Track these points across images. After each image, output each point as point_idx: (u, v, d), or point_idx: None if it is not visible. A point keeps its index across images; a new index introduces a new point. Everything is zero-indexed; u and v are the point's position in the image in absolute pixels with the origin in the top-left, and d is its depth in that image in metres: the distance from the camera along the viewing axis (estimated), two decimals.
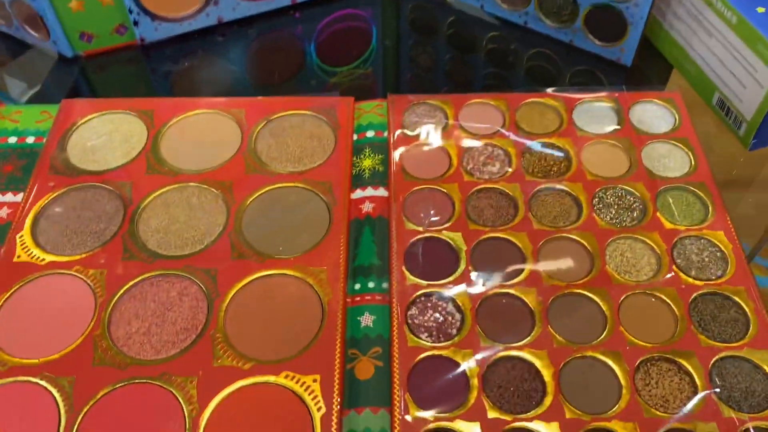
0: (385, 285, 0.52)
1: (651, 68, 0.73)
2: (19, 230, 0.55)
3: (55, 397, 0.46)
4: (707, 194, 0.57)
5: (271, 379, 0.46)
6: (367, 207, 0.57)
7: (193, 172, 0.59)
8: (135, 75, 0.75)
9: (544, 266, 0.52)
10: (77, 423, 0.45)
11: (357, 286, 0.52)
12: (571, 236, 0.54)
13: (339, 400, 0.45)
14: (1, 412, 0.45)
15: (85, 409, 0.45)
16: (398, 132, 0.61)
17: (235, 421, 0.45)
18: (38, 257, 0.53)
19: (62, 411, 0.45)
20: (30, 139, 0.63)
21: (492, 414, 0.45)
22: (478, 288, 0.51)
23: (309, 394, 0.46)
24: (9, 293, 0.51)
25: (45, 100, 0.68)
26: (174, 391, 0.46)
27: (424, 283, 0.51)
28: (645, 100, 0.65)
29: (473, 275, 0.51)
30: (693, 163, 0.60)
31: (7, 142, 0.63)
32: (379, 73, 0.74)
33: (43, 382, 0.46)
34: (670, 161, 0.60)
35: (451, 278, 0.51)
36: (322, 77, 0.73)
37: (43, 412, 0.45)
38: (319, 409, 0.45)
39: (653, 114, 0.64)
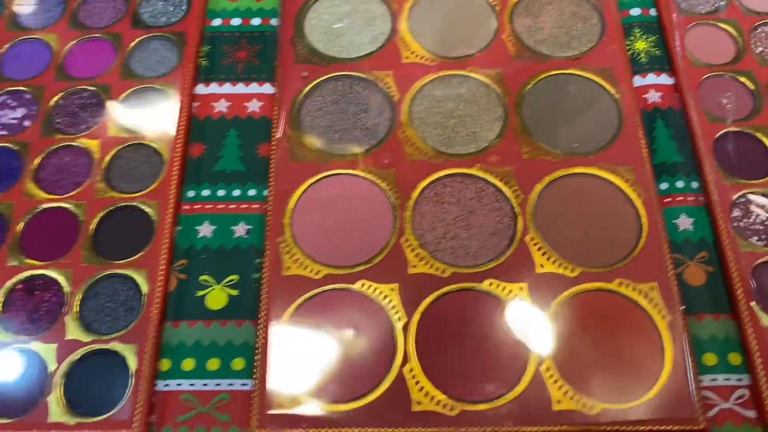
0: (695, 185, 0.48)
1: None
2: (284, 129, 0.51)
3: (381, 306, 0.44)
4: None
5: (605, 286, 0.45)
6: (653, 97, 0.52)
7: (454, 59, 0.54)
8: None
9: None
10: (411, 329, 0.43)
11: (664, 186, 0.49)
12: None
13: (681, 307, 0.44)
14: (323, 316, 0.44)
15: (416, 317, 0.44)
16: (673, 10, 0.55)
17: (576, 328, 0.43)
18: (313, 157, 0.50)
19: (393, 318, 0.44)
20: (255, 21, 0.57)
21: None
22: None
23: (649, 302, 0.44)
24: (299, 193, 0.48)
25: None
26: (502, 297, 0.44)
27: (743, 182, 0.48)
28: None
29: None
30: None
31: (230, 24, 0.57)
32: None
33: (365, 290, 0.45)
34: None
35: None
36: None
37: (373, 319, 0.44)
38: (663, 317, 0.43)
39: None
